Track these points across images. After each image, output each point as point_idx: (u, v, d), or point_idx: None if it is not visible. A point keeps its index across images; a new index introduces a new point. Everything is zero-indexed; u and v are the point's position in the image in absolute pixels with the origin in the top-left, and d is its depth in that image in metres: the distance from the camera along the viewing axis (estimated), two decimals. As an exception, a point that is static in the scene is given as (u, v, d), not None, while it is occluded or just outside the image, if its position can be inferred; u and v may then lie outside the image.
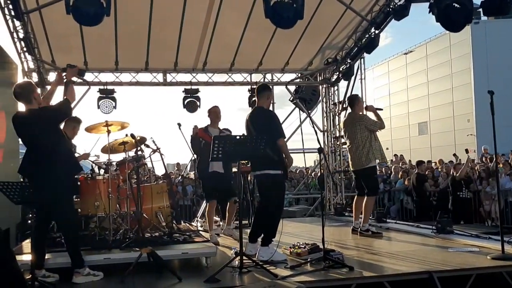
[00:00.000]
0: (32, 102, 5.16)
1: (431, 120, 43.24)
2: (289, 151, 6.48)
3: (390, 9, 9.17)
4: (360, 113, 8.06)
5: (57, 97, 5.53)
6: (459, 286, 5.18)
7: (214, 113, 7.80)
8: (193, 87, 11.70)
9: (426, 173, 13.78)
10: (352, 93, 9.21)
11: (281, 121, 6.79)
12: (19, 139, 8.27)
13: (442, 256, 6.16)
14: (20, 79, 9.58)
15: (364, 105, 8.37)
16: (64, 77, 5.46)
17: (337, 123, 12.44)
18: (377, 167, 8.10)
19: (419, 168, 13.33)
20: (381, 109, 8.32)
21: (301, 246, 6.29)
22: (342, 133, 8.22)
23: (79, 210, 6.95)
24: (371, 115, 8.17)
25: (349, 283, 5.03)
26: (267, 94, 6.41)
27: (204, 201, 9.80)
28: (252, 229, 6.43)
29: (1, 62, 8.39)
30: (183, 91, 11.66)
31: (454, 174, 11.83)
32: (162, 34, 9.92)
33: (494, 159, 9.25)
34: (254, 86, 11.77)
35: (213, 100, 12.17)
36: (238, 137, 5.62)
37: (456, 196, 11.65)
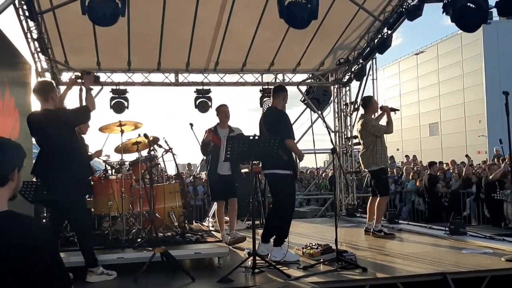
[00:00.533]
0: (48, 101, 5.21)
1: (442, 121, 43.06)
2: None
3: (403, 9, 9.13)
4: (370, 116, 8.07)
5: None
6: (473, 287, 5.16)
7: (223, 112, 7.69)
8: (205, 87, 11.71)
9: (438, 174, 13.70)
10: (367, 95, 9.20)
11: (292, 122, 6.80)
12: (33, 139, 8.37)
13: (456, 258, 6.12)
14: (33, 79, 9.66)
15: (379, 105, 8.34)
16: (82, 85, 5.52)
17: (348, 123, 12.41)
18: (387, 168, 8.08)
19: (431, 169, 13.25)
20: (397, 110, 8.32)
21: (313, 246, 6.28)
22: (357, 134, 8.24)
23: (93, 209, 6.99)
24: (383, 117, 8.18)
25: (362, 284, 5.02)
26: (282, 95, 6.43)
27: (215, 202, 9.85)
28: (264, 229, 6.44)
29: (15, 62, 8.44)
30: (194, 92, 11.68)
31: (488, 176, 11.60)
32: (174, 34, 9.95)
33: (506, 160, 9.18)
34: (266, 87, 11.80)
35: (224, 101, 12.18)
36: (251, 137, 5.63)
37: (490, 198, 11.39)
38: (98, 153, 7.37)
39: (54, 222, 5.42)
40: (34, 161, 5.45)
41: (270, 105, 6.61)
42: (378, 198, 7.90)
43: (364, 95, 9.06)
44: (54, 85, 5.58)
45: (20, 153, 2.33)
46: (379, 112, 8.25)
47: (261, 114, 6.50)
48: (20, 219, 2.24)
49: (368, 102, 8.23)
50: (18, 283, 2.13)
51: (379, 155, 7.78)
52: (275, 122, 6.26)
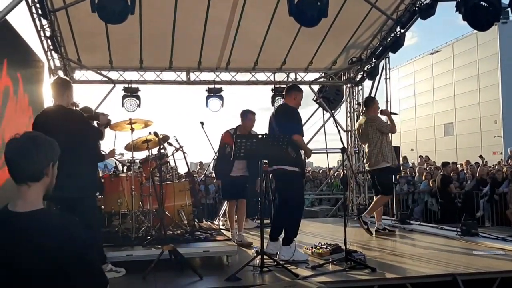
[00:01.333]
0: (63, 98, 5.31)
1: (457, 121, 42.67)
2: (312, 152, 6.46)
3: (416, 8, 9.04)
4: (373, 114, 8.06)
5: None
6: (483, 289, 5.10)
7: (251, 120, 7.53)
8: (216, 86, 11.70)
9: (451, 174, 13.59)
10: (370, 95, 9.19)
11: (304, 121, 6.79)
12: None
13: (467, 259, 6.07)
14: (46, 77, 9.73)
15: (380, 109, 8.35)
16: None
17: (360, 123, 12.33)
18: (392, 167, 8.01)
19: (445, 169, 13.14)
20: (396, 114, 8.33)
21: (322, 246, 6.26)
22: (356, 133, 8.22)
23: (103, 207, 7.04)
24: (384, 118, 8.15)
25: (371, 284, 5.00)
26: (294, 93, 6.44)
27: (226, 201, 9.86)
28: (272, 228, 6.42)
29: (29, 60, 8.52)
30: (206, 90, 11.68)
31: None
32: (186, 33, 9.96)
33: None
34: (278, 86, 11.77)
35: (236, 99, 12.15)
36: (260, 136, 5.62)
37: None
38: (112, 153, 7.33)
39: None
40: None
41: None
42: (379, 196, 7.91)
43: (365, 97, 9.03)
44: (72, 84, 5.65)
45: (55, 148, 2.33)
46: (379, 115, 8.22)
47: (272, 112, 6.50)
48: (55, 216, 2.27)
49: (371, 101, 8.32)
50: (55, 278, 2.12)
51: (388, 152, 7.75)
52: (285, 117, 6.27)
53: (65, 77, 6.41)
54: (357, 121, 12.34)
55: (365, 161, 8.20)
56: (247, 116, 7.54)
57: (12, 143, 2.23)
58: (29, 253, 2.09)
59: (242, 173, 7.46)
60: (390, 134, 8.15)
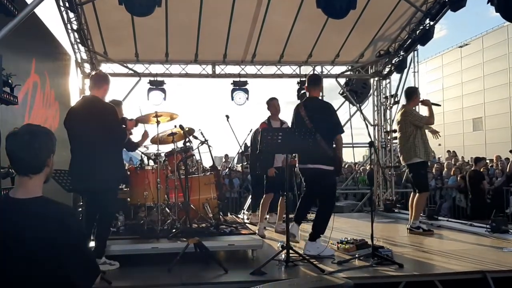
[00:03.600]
0: (100, 90, 5.46)
1: (487, 116, 41.80)
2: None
3: (446, 0, 8.83)
4: (411, 107, 7.84)
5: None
6: (514, 287, 4.97)
7: (273, 106, 7.90)
8: (242, 79, 11.67)
9: (481, 170, 13.31)
10: (411, 86, 8.88)
11: None
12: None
13: (497, 256, 5.92)
14: (73, 70, 9.82)
15: (421, 100, 8.04)
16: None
17: (388, 117, 12.17)
18: (426, 163, 7.76)
19: (477, 165, 12.87)
20: (438, 105, 8.04)
21: (349, 241, 6.18)
22: (395, 126, 8.01)
23: (129, 199, 7.06)
24: (425, 109, 7.91)
25: (398, 280, 4.90)
26: (321, 85, 6.39)
27: (250, 195, 9.84)
28: (297, 213, 6.33)
29: (56, 53, 8.60)
30: (231, 83, 11.65)
31: None
32: (211, 26, 9.94)
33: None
34: (304, 79, 11.67)
35: (261, 93, 12.04)
36: (287, 130, 5.57)
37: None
38: (145, 135, 7.02)
39: (90, 211, 5.47)
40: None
41: (308, 95, 6.43)
42: (417, 194, 7.67)
43: (407, 87, 8.71)
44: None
45: (53, 138, 2.40)
46: (420, 105, 7.98)
47: (301, 103, 6.33)
48: (53, 205, 2.32)
49: (413, 93, 7.99)
50: (48, 263, 2.20)
51: (420, 147, 7.50)
52: (325, 114, 6.13)
53: (103, 72, 6.50)
54: (384, 115, 12.21)
55: (399, 154, 8.03)
56: (270, 103, 7.93)
57: (12, 137, 2.30)
58: (27, 237, 2.17)
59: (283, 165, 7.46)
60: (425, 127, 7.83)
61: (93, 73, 5.83)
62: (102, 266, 5.16)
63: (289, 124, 6.78)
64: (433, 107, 7.79)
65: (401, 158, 7.89)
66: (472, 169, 12.95)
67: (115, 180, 5.49)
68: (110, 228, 5.67)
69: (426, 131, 7.85)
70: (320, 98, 6.34)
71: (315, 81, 6.42)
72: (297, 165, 6.46)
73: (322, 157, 5.85)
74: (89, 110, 5.28)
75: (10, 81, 5.21)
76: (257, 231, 7.11)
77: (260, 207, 7.93)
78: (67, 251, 2.22)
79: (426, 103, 7.88)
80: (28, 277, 2.19)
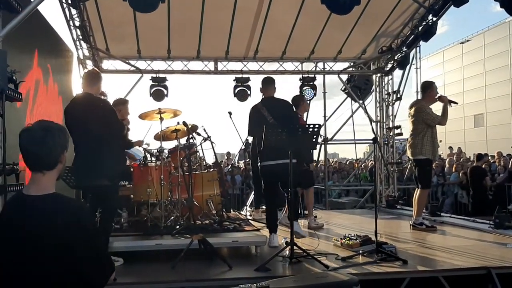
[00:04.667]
0: (93, 88, 5.44)
1: (488, 112, 41.76)
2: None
3: (449, -5, 8.81)
4: (426, 102, 7.71)
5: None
6: (519, 283, 4.97)
7: (307, 106, 8.62)
8: (244, 75, 11.64)
9: (483, 166, 13.30)
10: (427, 80, 8.75)
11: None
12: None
13: (501, 252, 5.92)
14: (75, 66, 9.82)
15: (438, 95, 7.82)
16: None
17: (390, 113, 12.15)
18: (430, 161, 7.70)
19: (479, 162, 12.85)
20: (456, 103, 7.95)
21: (352, 237, 6.18)
22: (408, 116, 7.89)
23: (132, 196, 7.07)
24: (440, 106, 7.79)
25: (402, 276, 4.90)
26: (273, 85, 6.73)
27: (253, 191, 9.87)
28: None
29: (58, 50, 8.60)
30: (234, 80, 11.63)
31: None
32: (213, 22, 9.91)
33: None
34: (306, 75, 11.66)
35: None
36: (292, 126, 5.59)
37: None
38: (139, 143, 7.37)
39: (92, 208, 5.49)
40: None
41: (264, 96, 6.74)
42: (418, 191, 7.67)
43: (423, 81, 8.54)
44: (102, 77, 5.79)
45: (66, 134, 2.40)
46: (437, 101, 7.80)
47: (257, 105, 6.60)
48: (66, 201, 2.32)
49: (429, 88, 7.77)
50: (63, 260, 2.20)
51: (428, 146, 7.45)
52: (288, 110, 6.62)
53: (97, 70, 6.51)
54: (386, 111, 12.19)
55: (407, 148, 7.99)
56: (305, 101, 8.64)
57: (26, 133, 2.29)
58: (41, 234, 2.17)
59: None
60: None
61: (85, 71, 5.87)
62: None
63: None
64: (452, 105, 7.69)
65: (408, 152, 7.83)
66: (475, 165, 12.95)
67: (116, 175, 5.53)
68: (113, 223, 5.69)
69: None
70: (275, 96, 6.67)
71: (267, 82, 6.74)
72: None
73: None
74: (87, 107, 5.26)
75: (14, 77, 5.22)
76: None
77: (310, 202, 8.29)
78: (81, 247, 2.22)
79: (443, 99, 7.69)
80: (42, 273, 2.19)
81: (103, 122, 5.22)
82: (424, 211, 8.50)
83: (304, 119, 8.46)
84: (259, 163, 6.39)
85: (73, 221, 2.22)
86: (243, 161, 13.00)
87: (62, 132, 2.35)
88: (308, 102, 8.70)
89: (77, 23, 8.92)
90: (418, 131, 7.51)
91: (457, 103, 7.99)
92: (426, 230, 7.64)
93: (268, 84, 6.72)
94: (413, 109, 7.70)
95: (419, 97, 7.96)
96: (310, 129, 5.63)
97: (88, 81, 5.46)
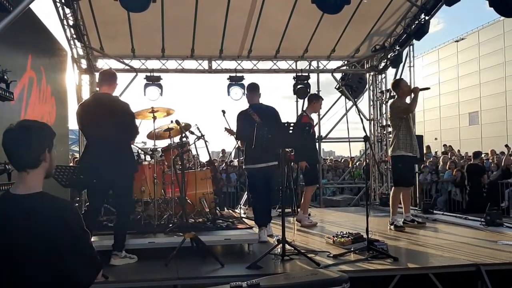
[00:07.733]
0: (111, 88, 5.54)
1: (483, 110, 41.87)
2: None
3: (441, -6, 8.85)
4: (401, 100, 7.74)
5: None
6: (507, 280, 5.02)
7: (321, 105, 8.68)
8: (238, 74, 11.66)
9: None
10: (395, 79, 8.82)
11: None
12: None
13: (491, 249, 5.97)
14: (69, 65, 9.82)
15: (411, 88, 7.89)
16: None
17: (384, 111, 12.20)
18: (408, 157, 7.64)
19: (476, 159, 12.92)
20: (428, 88, 8.06)
21: (344, 235, 6.22)
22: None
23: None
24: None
25: (393, 273, 4.95)
26: (259, 91, 6.84)
27: (246, 190, 9.88)
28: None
29: (52, 49, 8.59)
30: (228, 79, 11.64)
31: None
32: (207, 21, 9.92)
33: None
34: (300, 74, 11.68)
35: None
36: (285, 124, 5.62)
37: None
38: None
39: (97, 206, 5.54)
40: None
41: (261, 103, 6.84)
42: (392, 189, 7.73)
43: (392, 81, 8.63)
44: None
45: (49, 133, 2.40)
46: (412, 94, 7.79)
47: (246, 110, 6.73)
48: (53, 200, 2.33)
49: (397, 86, 7.78)
50: (49, 258, 2.23)
51: (403, 140, 7.39)
52: (276, 116, 6.65)
53: (113, 70, 6.58)
54: (380, 109, 12.25)
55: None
56: (319, 101, 8.56)
57: (8, 133, 2.34)
58: (27, 232, 2.20)
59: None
60: (412, 120, 7.73)
61: (103, 69, 5.98)
62: (123, 259, 5.27)
63: None
64: (424, 91, 7.77)
65: (389, 151, 7.89)
66: (470, 163, 13.02)
67: (132, 174, 5.60)
68: (129, 221, 5.75)
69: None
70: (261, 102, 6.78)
71: (253, 89, 6.86)
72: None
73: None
74: (107, 108, 5.32)
75: (5, 77, 5.22)
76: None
77: (304, 200, 8.35)
78: (67, 246, 2.24)
79: (414, 90, 7.69)
80: (28, 272, 2.21)
81: (123, 123, 5.33)
82: (417, 208, 8.55)
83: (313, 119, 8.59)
84: (244, 166, 6.61)
85: (59, 220, 2.24)
86: (238, 159, 13.02)
87: (43, 131, 2.38)
88: (320, 103, 8.54)
89: (70, 22, 8.92)
90: (394, 127, 7.58)
91: (429, 88, 8.08)
92: (415, 226, 7.69)
93: (253, 91, 6.83)
94: (389, 110, 7.84)
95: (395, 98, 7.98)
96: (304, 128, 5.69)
97: (104, 80, 5.52)
